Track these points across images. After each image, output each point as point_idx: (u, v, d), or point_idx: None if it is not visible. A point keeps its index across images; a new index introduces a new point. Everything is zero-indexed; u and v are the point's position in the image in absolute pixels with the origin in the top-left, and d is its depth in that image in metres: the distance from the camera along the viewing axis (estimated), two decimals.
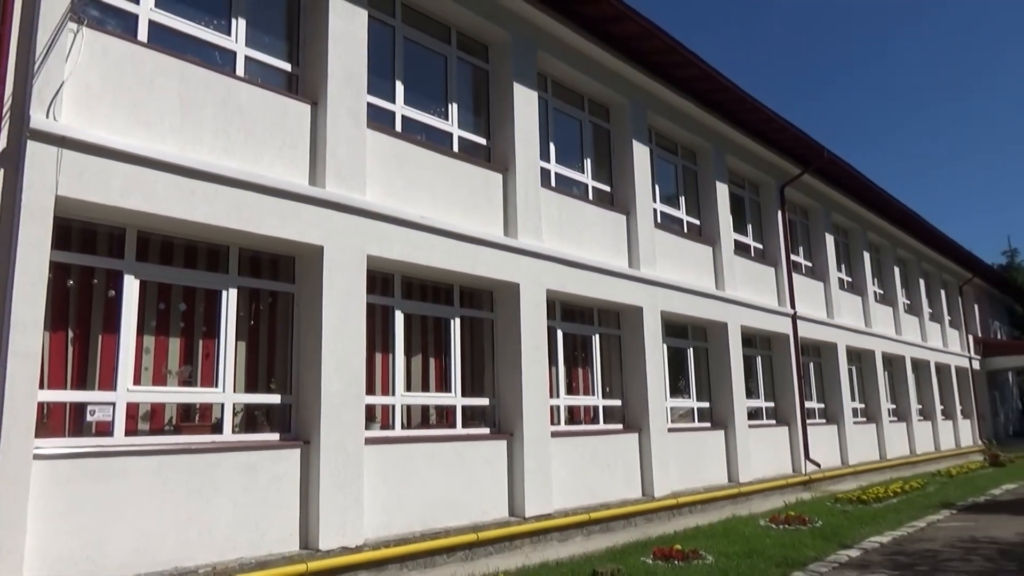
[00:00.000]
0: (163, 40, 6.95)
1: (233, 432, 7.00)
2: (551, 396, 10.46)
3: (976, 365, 30.65)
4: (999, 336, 37.27)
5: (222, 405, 6.99)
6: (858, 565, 8.38)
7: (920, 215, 22.78)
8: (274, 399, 7.39)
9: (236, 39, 7.62)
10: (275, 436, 7.25)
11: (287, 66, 8.07)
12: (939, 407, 25.67)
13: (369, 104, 8.53)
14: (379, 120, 8.77)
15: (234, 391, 7.10)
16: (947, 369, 27.20)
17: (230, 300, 7.22)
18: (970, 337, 30.81)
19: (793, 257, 17.82)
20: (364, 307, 7.83)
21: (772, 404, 16.19)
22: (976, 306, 33.31)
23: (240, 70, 7.55)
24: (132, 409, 6.48)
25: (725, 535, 10.08)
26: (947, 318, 28.32)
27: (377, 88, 8.86)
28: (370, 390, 8.13)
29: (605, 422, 11.58)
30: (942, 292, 28.34)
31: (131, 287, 6.57)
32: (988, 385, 32.37)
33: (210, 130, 6.96)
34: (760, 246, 16.78)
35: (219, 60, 7.42)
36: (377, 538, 7.54)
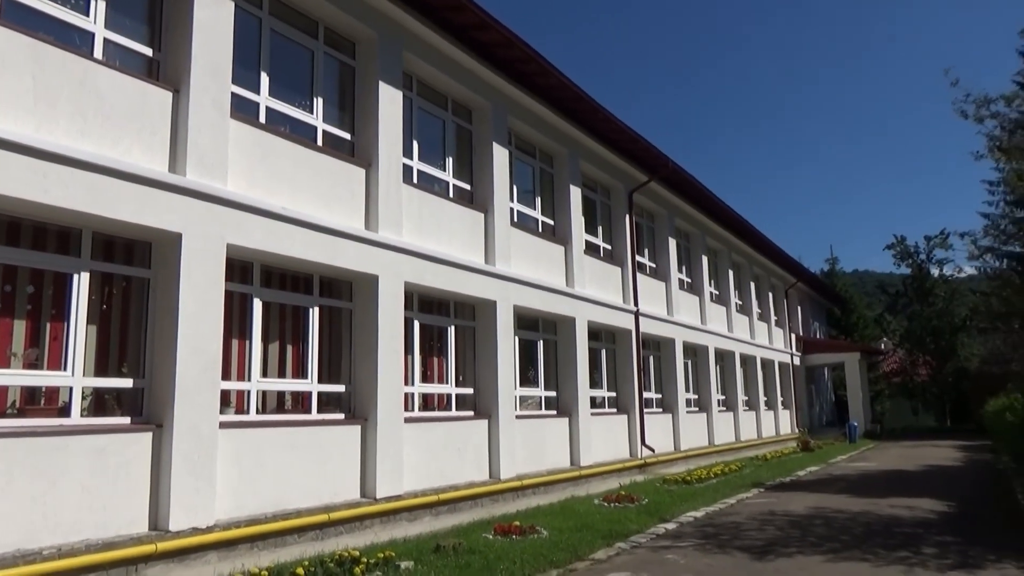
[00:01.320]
0: (16, 17, 6.80)
1: (82, 416, 6.99)
2: (406, 384, 10.94)
3: (796, 361, 34.00)
4: (818, 335, 41.39)
5: (70, 389, 6.96)
6: (673, 535, 9.49)
7: (752, 224, 25.12)
8: (126, 383, 7.41)
9: (95, 20, 7.52)
10: (126, 420, 7.27)
11: (148, 51, 8.03)
12: (763, 399, 28.36)
13: (233, 94, 8.64)
14: (243, 110, 8.89)
15: (83, 375, 7.07)
16: (771, 364, 30.06)
17: (82, 284, 7.17)
18: (792, 336, 34.12)
19: (638, 258, 19.22)
20: (222, 294, 7.96)
21: (614, 394, 17.46)
22: (799, 308, 36.89)
23: (99, 52, 7.47)
24: None
25: (562, 513, 11.00)
26: (773, 318, 31.26)
27: (242, 78, 8.96)
28: (226, 375, 8.28)
29: (457, 409, 12.20)
30: (770, 294, 31.24)
31: None
32: (806, 379, 36.00)
33: (66, 112, 6.89)
34: (608, 247, 18.00)
35: (77, 41, 7.32)
36: (229, 519, 7.75)
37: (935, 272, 43.45)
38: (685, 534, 9.56)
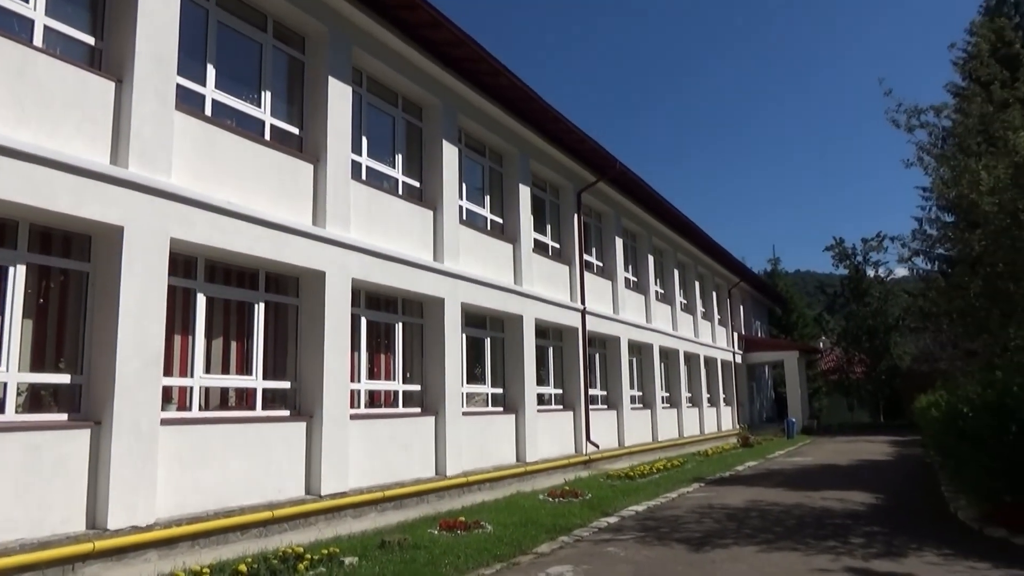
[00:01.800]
0: None
1: (17, 412, 6.82)
2: (353, 381, 10.92)
3: (738, 359, 34.88)
4: (759, 334, 42.50)
5: (4, 384, 6.77)
6: (614, 529, 9.71)
7: (697, 224, 25.69)
8: (63, 379, 7.24)
9: (35, 7, 7.33)
10: (63, 417, 7.12)
11: (91, 40, 7.86)
12: (705, 396, 29.02)
13: (179, 86, 8.52)
14: (188, 102, 8.76)
15: (19, 370, 6.90)
16: (714, 362, 30.78)
17: (17, 277, 6.99)
18: (735, 334, 34.99)
19: (586, 257, 19.49)
20: (165, 289, 7.85)
21: (560, 391, 17.69)
22: (741, 307, 37.83)
23: (38, 40, 7.29)
24: None
25: (507, 508, 11.14)
26: (717, 317, 32.00)
27: (188, 70, 8.83)
28: (168, 372, 8.18)
29: (404, 406, 12.22)
30: (714, 294, 31.96)
31: None
32: (747, 377, 36.95)
33: (2, 101, 6.70)
34: (557, 245, 18.20)
35: (16, 28, 7.12)
36: (170, 517, 7.65)
37: (871, 273, 45.01)
38: (626, 527, 9.80)
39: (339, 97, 10.74)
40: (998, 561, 7.58)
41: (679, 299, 26.61)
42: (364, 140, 11.83)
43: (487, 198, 15.42)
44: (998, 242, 13.09)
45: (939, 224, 22.50)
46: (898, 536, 9.10)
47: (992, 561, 7.58)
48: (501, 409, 14.79)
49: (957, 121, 15.24)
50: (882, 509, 11.50)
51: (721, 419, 30.82)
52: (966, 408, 9.88)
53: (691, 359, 27.55)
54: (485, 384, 14.58)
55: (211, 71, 9.22)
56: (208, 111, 9.09)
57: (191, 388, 8.61)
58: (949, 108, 15.30)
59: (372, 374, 11.71)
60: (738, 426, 32.62)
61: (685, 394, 26.26)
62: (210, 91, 9.19)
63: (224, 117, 9.30)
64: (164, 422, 7.75)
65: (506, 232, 15.61)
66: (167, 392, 8.16)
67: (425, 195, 13.07)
